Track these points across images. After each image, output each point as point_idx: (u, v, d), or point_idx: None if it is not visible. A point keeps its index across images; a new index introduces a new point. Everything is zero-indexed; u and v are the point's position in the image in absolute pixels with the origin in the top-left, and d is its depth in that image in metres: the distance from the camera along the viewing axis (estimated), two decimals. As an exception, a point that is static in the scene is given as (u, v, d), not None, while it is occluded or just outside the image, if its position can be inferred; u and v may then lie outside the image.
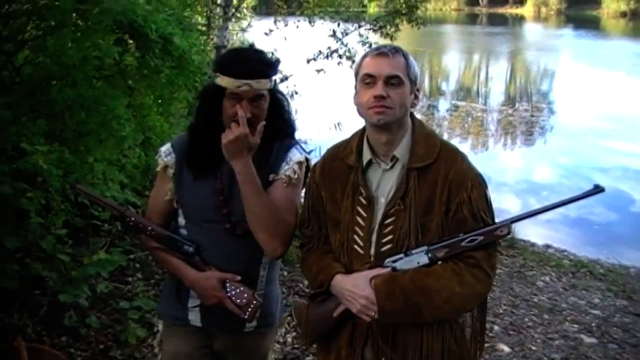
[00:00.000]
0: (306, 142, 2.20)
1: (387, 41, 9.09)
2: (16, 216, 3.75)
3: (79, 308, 4.06)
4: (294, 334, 4.16)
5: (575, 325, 5.10)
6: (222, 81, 2.22)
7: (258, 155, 2.26)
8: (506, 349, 4.62)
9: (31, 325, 3.83)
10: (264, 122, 2.24)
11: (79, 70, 3.81)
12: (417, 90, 2.19)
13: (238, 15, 10.37)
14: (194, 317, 2.44)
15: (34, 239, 3.78)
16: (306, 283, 5.08)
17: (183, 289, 2.42)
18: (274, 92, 2.34)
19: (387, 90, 2.07)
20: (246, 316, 2.33)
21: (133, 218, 2.44)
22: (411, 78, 2.14)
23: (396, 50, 2.14)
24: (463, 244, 2.07)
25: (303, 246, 2.37)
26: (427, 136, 2.19)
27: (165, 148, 2.43)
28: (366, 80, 2.11)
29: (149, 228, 2.40)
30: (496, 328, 4.90)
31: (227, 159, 2.23)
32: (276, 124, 2.34)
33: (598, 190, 2.08)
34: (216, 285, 2.31)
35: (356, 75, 2.18)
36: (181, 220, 2.41)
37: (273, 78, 2.31)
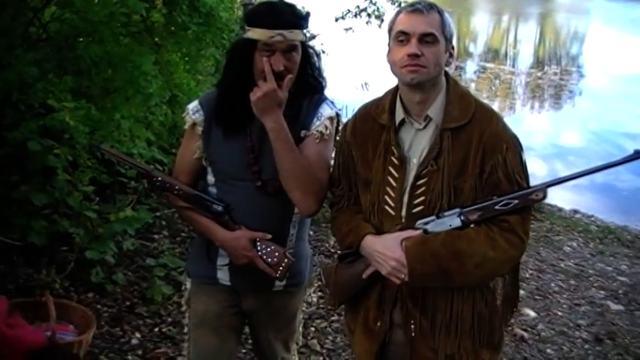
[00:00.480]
0: (333, 102, 2.16)
1: None
2: (43, 173, 3.77)
3: (106, 265, 4.09)
4: (319, 293, 4.16)
5: (602, 292, 5.06)
6: (255, 33, 2.15)
7: (288, 111, 2.20)
8: (532, 313, 4.60)
9: (58, 280, 3.88)
10: (291, 76, 2.18)
11: (105, 27, 3.79)
12: (452, 48, 2.11)
13: (265, -28, 10.21)
14: (223, 276, 2.42)
15: (61, 196, 3.81)
16: (332, 242, 5.07)
17: (213, 247, 2.39)
18: (305, 46, 2.27)
19: (422, 48, 2.00)
20: (277, 275, 2.30)
21: (160, 178, 2.40)
22: (446, 36, 2.06)
23: (431, 7, 2.06)
24: (497, 207, 2.01)
25: (332, 205, 2.32)
26: (462, 95, 2.12)
27: (193, 105, 2.38)
28: (399, 38, 2.04)
29: (176, 187, 2.35)
30: (522, 292, 4.86)
31: (257, 116, 2.18)
32: (306, 79, 2.29)
33: (639, 155, 2.01)
34: (247, 244, 2.27)
35: (389, 32, 2.10)
36: (210, 179, 2.36)
37: (305, 31, 2.25)
